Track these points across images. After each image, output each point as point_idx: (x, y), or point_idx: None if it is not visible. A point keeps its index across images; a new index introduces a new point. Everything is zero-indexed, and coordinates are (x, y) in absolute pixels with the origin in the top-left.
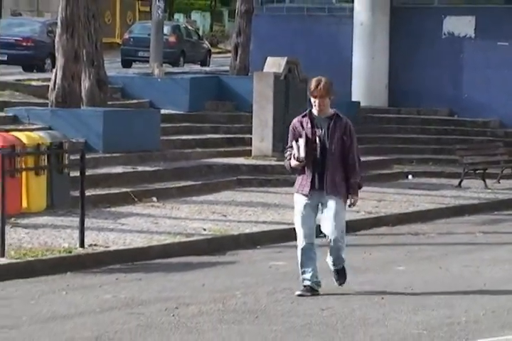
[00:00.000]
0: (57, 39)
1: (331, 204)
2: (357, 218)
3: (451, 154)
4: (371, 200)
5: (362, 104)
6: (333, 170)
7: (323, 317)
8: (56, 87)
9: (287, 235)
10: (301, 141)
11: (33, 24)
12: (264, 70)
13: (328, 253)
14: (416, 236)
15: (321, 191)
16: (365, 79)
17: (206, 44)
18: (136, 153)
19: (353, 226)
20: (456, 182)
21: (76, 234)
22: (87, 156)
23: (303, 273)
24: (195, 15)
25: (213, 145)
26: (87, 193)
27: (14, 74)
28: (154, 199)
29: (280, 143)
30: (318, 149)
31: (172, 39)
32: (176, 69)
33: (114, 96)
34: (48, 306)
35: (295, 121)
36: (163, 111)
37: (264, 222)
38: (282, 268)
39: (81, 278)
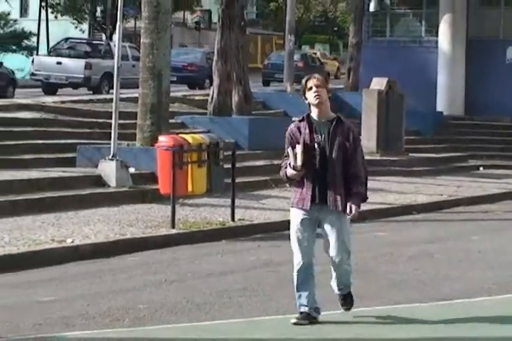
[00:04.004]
0: (214, 64)
1: (334, 221)
2: (440, 200)
3: None
4: (452, 186)
5: (444, 113)
6: (335, 180)
7: (416, 274)
8: (213, 100)
9: (388, 213)
10: (298, 148)
11: (195, 53)
12: (370, 88)
13: (333, 277)
14: (486, 213)
15: (322, 205)
16: (447, 95)
17: (326, 68)
18: (274, 150)
19: (438, 206)
20: None
21: (228, 211)
22: (237, 153)
23: (299, 297)
24: (317, 46)
25: None
26: (237, 180)
27: (181, 91)
28: (287, 185)
29: (383, 142)
30: (318, 157)
31: (300, 64)
32: None
33: (257, 108)
34: (207, 265)
35: (292, 126)
36: (294, 119)
37: (370, 203)
38: (384, 238)
39: (232, 245)
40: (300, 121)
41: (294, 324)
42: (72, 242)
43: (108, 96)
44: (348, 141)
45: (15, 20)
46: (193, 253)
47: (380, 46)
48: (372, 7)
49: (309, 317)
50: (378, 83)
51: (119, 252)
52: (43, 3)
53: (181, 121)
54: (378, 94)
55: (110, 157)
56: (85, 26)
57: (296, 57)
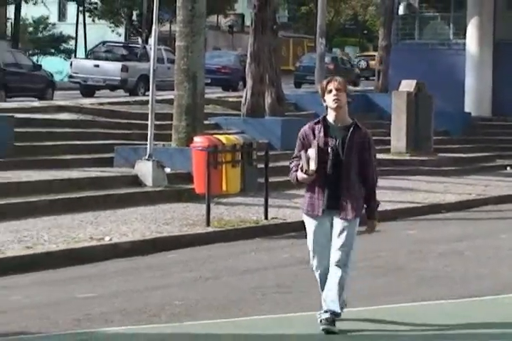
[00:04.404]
0: (247, 67)
1: (342, 226)
2: (469, 199)
3: None
4: (480, 186)
5: (472, 114)
6: (348, 187)
7: (446, 272)
8: (246, 102)
9: (417, 212)
10: (312, 152)
11: (229, 56)
12: (400, 89)
13: (325, 288)
14: None
15: (332, 211)
16: (475, 96)
17: (356, 70)
18: None
19: (467, 205)
20: None
21: (262, 209)
22: (270, 153)
23: (322, 299)
24: (348, 49)
25: None
26: (270, 180)
27: (216, 93)
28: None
29: (412, 142)
30: (330, 162)
31: (331, 66)
32: None
33: (289, 109)
34: (242, 263)
35: (306, 127)
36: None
37: (400, 202)
38: (413, 236)
39: (266, 242)
40: (315, 123)
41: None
42: (110, 240)
43: (144, 98)
44: (364, 148)
45: (53, 24)
46: (228, 251)
47: (409, 49)
48: (401, 10)
49: (336, 315)
50: (407, 85)
51: (155, 250)
52: (81, 8)
53: (215, 122)
54: (407, 96)
55: (146, 157)
56: (122, 30)
57: (327, 59)
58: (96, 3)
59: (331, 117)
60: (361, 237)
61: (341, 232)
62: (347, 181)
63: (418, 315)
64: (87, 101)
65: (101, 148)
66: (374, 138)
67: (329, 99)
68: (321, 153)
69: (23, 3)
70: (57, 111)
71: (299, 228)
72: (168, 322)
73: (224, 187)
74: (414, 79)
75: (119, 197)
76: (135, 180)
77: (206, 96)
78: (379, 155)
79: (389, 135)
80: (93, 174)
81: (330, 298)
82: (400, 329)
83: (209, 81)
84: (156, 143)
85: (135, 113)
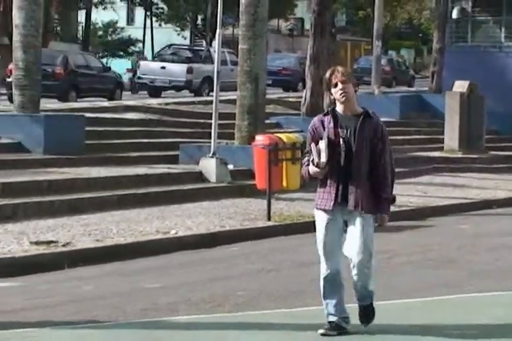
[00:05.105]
0: (306, 68)
1: (357, 221)
2: None
3: None
4: None
5: None
6: (360, 179)
7: (497, 265)
8: (306, 102)
9: (470, 207)
10: (323, 144)
11: (289, 58)
12: (453, 90)
13: (356, 288)
14: None
15: (346, 205)
16: None
17: (411, 72)
18: None
19: None
20: None
21: None
22: None
23: (326, 305)
24: (403, 52)
25: (416, 143)
26: None
27: (276, 93)
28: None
29: (464, 141)
30: (343, 154)
31: (387, 68)
32: (390, 90)
33: None
34: (301, 256)
35: (315, 120)
36: (382, 119)
37: (453, 198)
38: (466, 230)
39: None
40: (324, 115)
41: (322, 335)
42: (176, 233)
43: (208, 98)
44: (376, 137)
45: (122, 28)
46: (288, 244)
47: (462, 51)
48: (454, 14)
49: (338, 328)
50: (460, 86)
51: (219, 243)
52: (148, 12)
53: (276, 122)
54: (460, 96)
55: (210, 155)
56: (187, 33)
57: (383, 61)
58: (163, 8)
59: (339, 108)
60: (416, 231)
61: (358, 230)
62: (359, 173)
63: (469, 306)
64: (154, 102)
65: (167, 146)
66: (428, 136)
67: (336, 93)
68: (332, 144)
69: (93, 8)
70: (126, 111)
71: None
72: (231, 311)
73: (284, 184)
74: (467, 81)
75: (184, 193)
76: (199, 177)
77: (267, 96)
78: (433, 153)
79: (442, 134)
80: (159, 171)
81: (361, 283)
82: (450, 320)
83: (270, 82)
84: (219, 141)
85: (199, 112)
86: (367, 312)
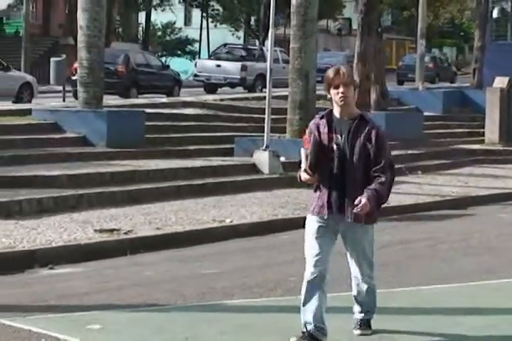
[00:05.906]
0: (354, 66)
1: (354, 231)
2: None
3: None
4: None
5: None
6: (356, 187)
7: None
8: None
9: (510, 197)
10: (302, 151)
11: (337, 56)
12: (494, 86)
13: (356, 300)
14: None
15: (340, 214)
16: None
17: (453, 68)
18: (407, 141)
19: None
20: None
21: None
22: None
23: (303, 312)
24: (445, 49)
25: (458, 136)
26: None
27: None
28: (419, 172)
29: (504, 134)
30: (336, 160)
31: (430, 65)
32: (433, 85)
33: (392, 104)
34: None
35: (311, 123)
36: (425, 114)
37: (494, 188)
38: (506, 219)
39: None
40: (321, 118)
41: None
42: (231, 222)
43: (261, 95)
44: (370, 142)
45: (179, 29)
46: None
47: (502, 49)
48: (495, 14)
49: (312, 338)
50: (500, 82)
51: (271, 231)
52: (205, 14)
53: None
54: (500, 92)
55: (263, 148)
56: (241, 33)
57: (426, 59)
58: (218, 10)
59: (336, 111)
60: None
61: (354, 233)
62: (354, 181)
63: (510, 290)
64: (210, 98)
65: (222, 140)
66: (469, 130)
67: (335, 96)
68: (326, 150)
69: (152, 9)
70: (184, 107)
71: (400, 212)
72: (283, 295)
73: None
74: (507, 77)
75: (238, 184)
76: (253, 168)
77: (317, 92)
78: (474, 146)
79: (483, 127)
80: (215, 163)
81: (364, 295)
82: (491, 304)
83: (320, 79)
84: (272, 135)
85: (253, 108)
86: (363, 326)
